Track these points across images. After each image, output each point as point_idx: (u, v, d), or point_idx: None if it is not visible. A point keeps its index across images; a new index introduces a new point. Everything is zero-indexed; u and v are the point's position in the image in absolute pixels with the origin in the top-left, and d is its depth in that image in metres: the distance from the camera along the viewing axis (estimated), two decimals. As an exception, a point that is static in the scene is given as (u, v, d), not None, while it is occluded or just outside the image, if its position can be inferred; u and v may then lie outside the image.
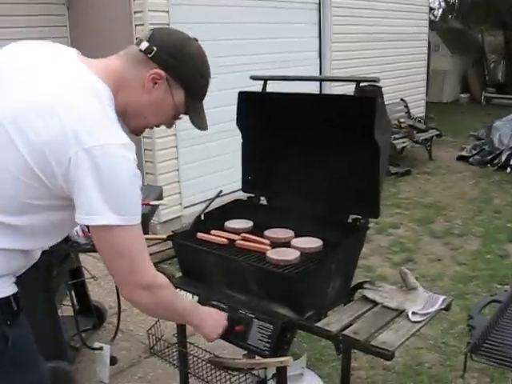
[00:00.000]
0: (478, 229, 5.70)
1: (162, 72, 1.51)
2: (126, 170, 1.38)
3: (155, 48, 1.50)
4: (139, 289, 1.51)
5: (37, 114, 1.36)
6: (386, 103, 9.10)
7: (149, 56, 1.50)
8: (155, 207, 3.03)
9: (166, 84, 1.52)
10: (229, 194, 5.40)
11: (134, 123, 1.60)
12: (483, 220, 5.98)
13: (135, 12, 5.08)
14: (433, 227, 5.79)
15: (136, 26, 5.02)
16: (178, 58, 1.52)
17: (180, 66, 1.53)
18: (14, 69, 1.47)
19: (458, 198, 6.77)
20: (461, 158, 8.63)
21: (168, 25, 5.15)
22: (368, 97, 2.01)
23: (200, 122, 1.66)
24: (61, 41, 5.60)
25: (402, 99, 9.14)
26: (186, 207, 5.76)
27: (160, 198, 3.18)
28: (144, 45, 1.52)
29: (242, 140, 2.51)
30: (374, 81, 2.05)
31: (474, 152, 8.56)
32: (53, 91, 1.39)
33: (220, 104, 5.42)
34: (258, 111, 2.36)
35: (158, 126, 1.65)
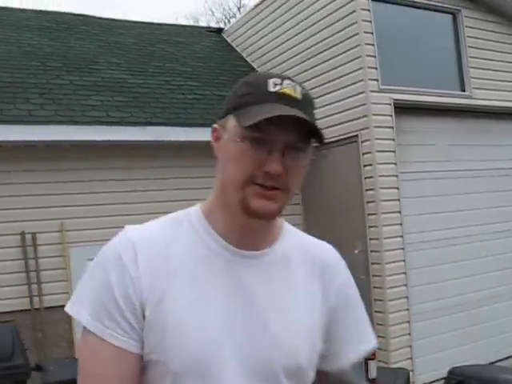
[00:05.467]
0: None
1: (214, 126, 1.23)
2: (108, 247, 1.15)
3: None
4: None
5: None
6: None
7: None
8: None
9: (221, 129, 1.18)
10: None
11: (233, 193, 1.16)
12: None
13: (366, 190, 5.37)
14: None
15: (368, 215, 5.30)
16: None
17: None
18: None
19: None
20: None
21: (398, 200, 5.32)
22: None
23: (259, 115, 1.08)
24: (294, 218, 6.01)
25: None
26: (418, 386, 5.42)
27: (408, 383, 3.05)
28: None
29: None
30: None
31: None
32: None
33: (451, 276, 5.34)
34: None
35: (247, 172, 1.10)
